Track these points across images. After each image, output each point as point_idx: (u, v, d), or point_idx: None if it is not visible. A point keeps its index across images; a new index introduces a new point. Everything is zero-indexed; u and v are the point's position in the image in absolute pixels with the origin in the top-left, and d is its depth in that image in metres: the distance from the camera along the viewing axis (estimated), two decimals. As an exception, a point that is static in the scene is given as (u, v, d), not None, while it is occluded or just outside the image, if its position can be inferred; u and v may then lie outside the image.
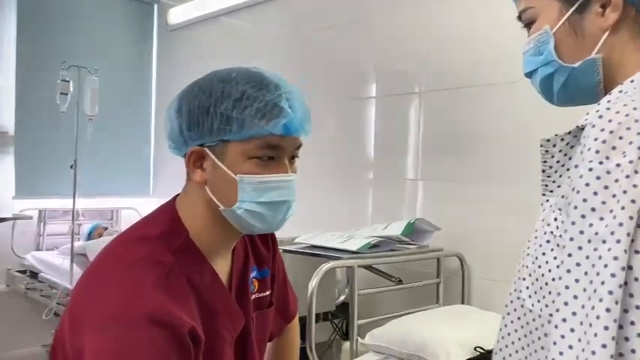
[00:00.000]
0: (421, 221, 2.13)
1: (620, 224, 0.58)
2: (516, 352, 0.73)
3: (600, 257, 0.58)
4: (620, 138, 0.60)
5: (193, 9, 3.62)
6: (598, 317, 0.57)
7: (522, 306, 0.72)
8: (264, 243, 1.13)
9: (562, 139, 0.71)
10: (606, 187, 0.60)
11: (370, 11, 2.58)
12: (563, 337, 0.59)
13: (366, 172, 2.62)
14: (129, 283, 0.86)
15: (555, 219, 0.69)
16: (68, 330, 0.87)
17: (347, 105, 2.69)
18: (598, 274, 0.58)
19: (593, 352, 0.56)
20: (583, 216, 0.61)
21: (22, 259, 3.40)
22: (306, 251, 2.03)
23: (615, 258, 0.58)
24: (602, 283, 0.57)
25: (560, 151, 0.71)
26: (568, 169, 0.70)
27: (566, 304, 0.60)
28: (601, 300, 0.57)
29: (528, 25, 0.79)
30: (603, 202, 0.60)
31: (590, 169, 0.61)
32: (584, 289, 0.59)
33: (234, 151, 0.90)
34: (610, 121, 0.62)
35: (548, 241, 0.69)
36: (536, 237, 0.73)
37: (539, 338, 0.69)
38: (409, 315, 1.93)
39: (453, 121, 2.26)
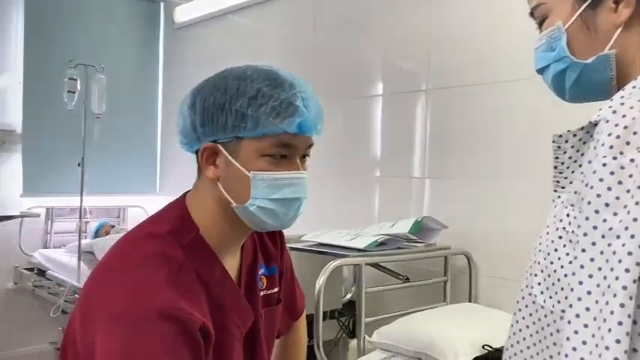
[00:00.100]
0: (428, 219, 2.13)
1: (635, 219, 0.58)
2: (528, 348, 0.73)
3: (614, 252, 0.58)
4: (635, 133, 0.60)
5: (199, 7, 3.63)
6: (612, 313, 0.57)
7: (534, 302, 0.72)
8: (272, 240, 1.13)
9: (574, 135, 0.71)
10: (620, 183, 0.59)
11: (376, 9, 2.58)
12: (576, 332, 0.59)
13: (373, 170, 2.62)
14: (140, 279, 0.86)
15: (567, 215, 0.68)
16: (79, 327, 0.88)
17: (353, 103, 2.69)
18: (612, 269, 0.58)
19: (607, 348, 0.56)
20: (597, 211, 0.61)
21: (30, 256, 3.41)
22: (313, 249, 2.03)
23: (629, 253, 0.57)
24: (616, 278, 0.57)
25: (572, 147, 0.71)
26: (580, 165, 0.70)
27: (579, 299, 0.60)
28: (615, 295, 0.57)
29: (541, 21, 0.79)
30: (617, 198, 0.59)
31: (604, 165, 0.61)
32: (598, 285, 0.59)
33: (247, 148, 0.90)
34: (624, 116, 0.62)
35: (560, 237, 0.69)
36: (547, 233, 0.72)
37: (551, 334, 0.69)
38: (416, 313, 1.92)
39: (459, 119, 2.25)
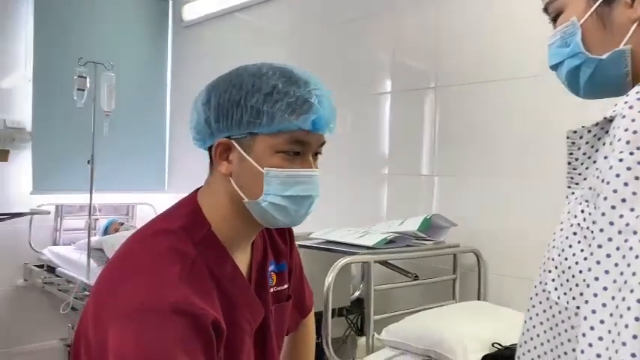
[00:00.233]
0: (437, 217, 2.13)
1: (652, 215, 0.57)
2: (541, 344, 0.73)
3: (631, 248, 0.58)
4: None
5: (207, 5, 3.64)
6: (629, 308, 0.56)
7: (548, 299, 0.71)
8: (282, 237, 1.14)
9: (589, 131, 0.70)
10: (637, 178, 0.59)
11: (384, 6, 2.57)
12: (592, 328, 0.59)
13: (382, 168, 2.61)
14: (153, 275, 0.86)
15: (582, 211, 0.68)
16: (91, 322, 0.88)
17: (362, 100, 2.68)
18: (629, 265, 0.57)
19: (624, 344, 0.55)
20: (613, 207, 0.60)
21: (40, 253, 3.44)
22: (322, 246, 2.03)
23: None
24: (633, 274, 0.57)
25: (586, 142, 0.71)
26: (594, 162, 0.69)
27: (595, 295, 0.60)
28: (632, 291, 0.56)
29: (555, 17, 0.78)
30: (634, 193, 0.59)
31: (621, 160, 0.60)
32: (615, 281, 0.58)
33: (261, 144, 0.91)
34: (641, 111, 0.61)
35: (574, 233, 0.68)
36: (561, 229, 0.72)
37: (565, 331, 0.68)
38: (425, 311, 1.92)
39: (468, 116, 2.25)
